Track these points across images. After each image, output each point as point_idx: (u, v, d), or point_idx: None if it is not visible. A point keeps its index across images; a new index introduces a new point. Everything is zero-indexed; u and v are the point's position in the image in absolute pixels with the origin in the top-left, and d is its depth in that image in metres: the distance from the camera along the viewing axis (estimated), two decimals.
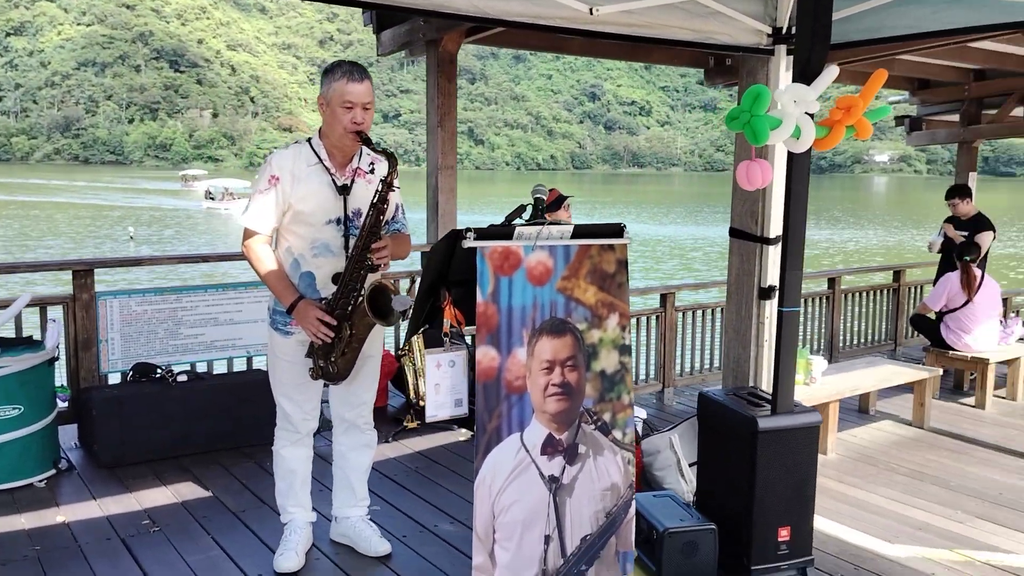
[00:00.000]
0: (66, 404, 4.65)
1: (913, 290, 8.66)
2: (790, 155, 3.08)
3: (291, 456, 3.44)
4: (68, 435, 4.68)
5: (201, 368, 5.05)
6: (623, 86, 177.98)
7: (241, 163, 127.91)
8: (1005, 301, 8.03)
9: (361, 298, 3.04)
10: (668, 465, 3.98)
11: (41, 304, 4.62)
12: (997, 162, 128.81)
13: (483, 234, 2.30)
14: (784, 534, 3.27)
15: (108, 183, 75.37)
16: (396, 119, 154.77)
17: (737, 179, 2.94)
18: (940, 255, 7.53)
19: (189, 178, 72.86)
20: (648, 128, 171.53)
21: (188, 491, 4.16)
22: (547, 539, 2.47)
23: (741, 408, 3.33)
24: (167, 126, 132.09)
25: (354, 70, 3.11)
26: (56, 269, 4.89)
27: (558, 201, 5.38)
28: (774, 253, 3.75)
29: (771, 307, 3.81)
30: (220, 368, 5.19)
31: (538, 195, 2.64)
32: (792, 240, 3.13)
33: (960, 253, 6.65)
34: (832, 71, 2.97)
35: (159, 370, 4.72)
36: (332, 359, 3.14)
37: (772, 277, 3.76)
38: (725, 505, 3.35)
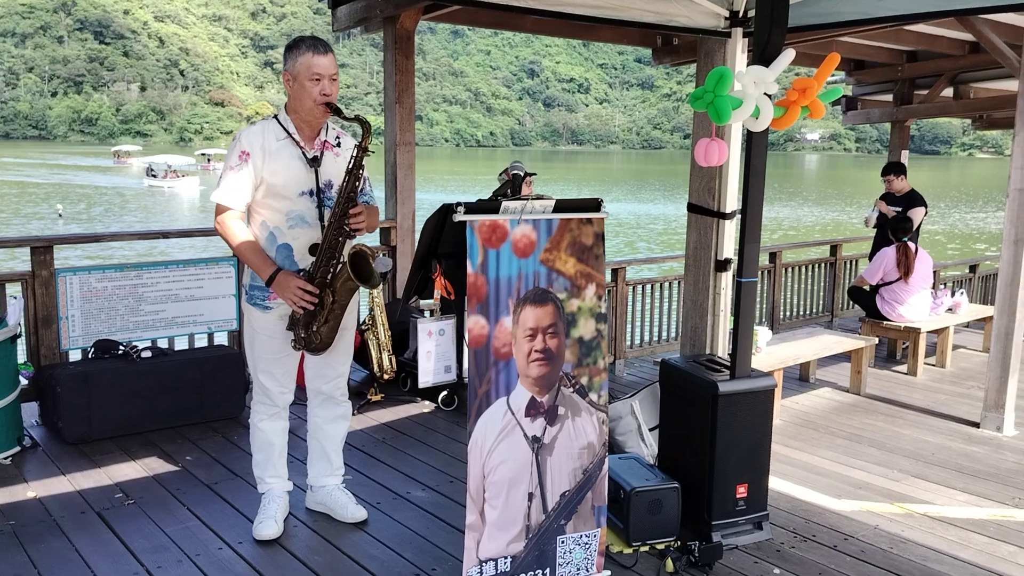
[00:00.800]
0: (26, 382, 4.61)
1: (849, 264, 9.05)
2: (749, 134, 3.26)
3: (269, 429, 3.51)
4: (28, 413, 4.65)
5: (162, 344, 5.05)
6: (562, 63, 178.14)
7: (171, 138, 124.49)
8: (935, 273, 8.44)
9: (342, 263, 3.13)
10: (630, 430, 4.17)
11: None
12: (923, 140, 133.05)
13: (472, 208, 2.41)
14: (742, 491, 3.48)
15: (33, 159, 72.41)
16: None
17: (695, 156, 3.10)
18: (876, 230, 7.88)
19: (122, 154, 70.97)
20: (587, 106, 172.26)
21: (158, 465, 4.20)
22: (530, 496, 2.62)
23: (701, 373, 3.53)
24: (92, 100, 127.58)
25: (318, 43, 3.21)
26: (14, 246, 4.81)
27: (518, 176, 5.51)
28: (730, 227, 3.94)
29: (726, 279, 4.00)
30: (181, 344, 5.20)
31: (516, 171, 2.76)
32: (751, 214, 3.31)
33: (895, 233, 6.96)
34: (789, 54, 3.15)
35: (121, 347, 4.71)
36: (315, 328, 3.22)
37: (728, 250, 3.96)
38: (687, 465, 3.55)
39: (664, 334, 7.45)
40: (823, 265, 8.82)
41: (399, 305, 4.65)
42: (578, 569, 2.79)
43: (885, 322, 6.89)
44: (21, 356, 4.49)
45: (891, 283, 6.85)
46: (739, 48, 3.78)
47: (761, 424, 3.50)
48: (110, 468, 4.14)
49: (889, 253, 6.89)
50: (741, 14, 3.73)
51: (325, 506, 3.66)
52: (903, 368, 6.86)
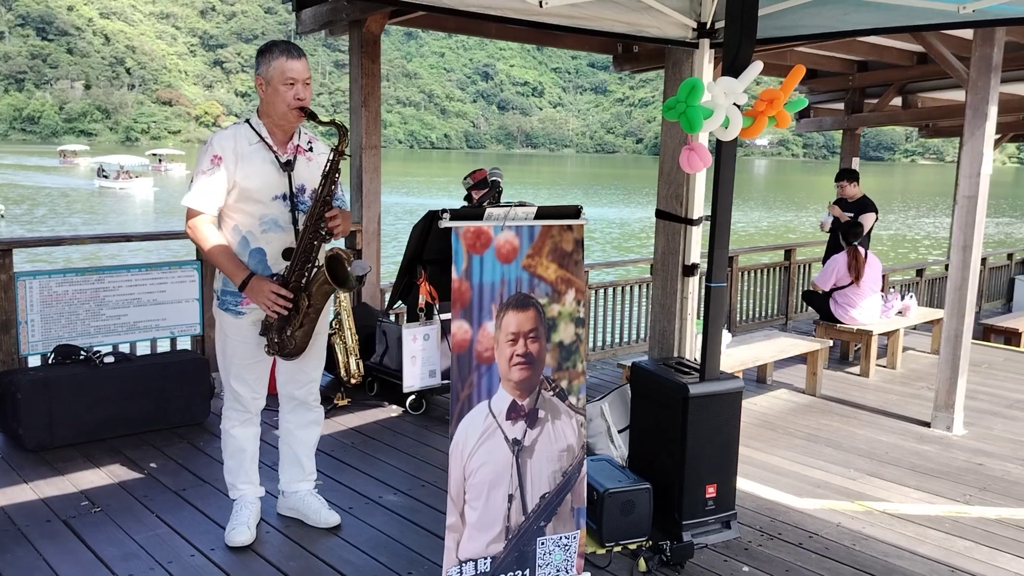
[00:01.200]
0: None
1: (803, 268, 9.26)
2: (718, 143, 3.34)
3: (241, 435, 3.50)
4: None
5: (124, 349, 4.97)
6: (516, 66, 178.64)
7: (117, 137, 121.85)
8: (883, 277, 8.69)
9: (318, 267, 3.14)
10: (599, 432, 4.23)
11: None
12: (867, 147, 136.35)
13: (457, 215, 2.44)
14: (711, 491, 3.56)
15: None
16: None
17: (680, 164, 3.17)
18: (829, 235, 8.08)
19: (68, 154, 68.94)
20: (541, 109, 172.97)
21: (124, 472, 4.14)
22: (510, 498, 2.65)
23: (672, 376, 3.60)
24: (35, 98, 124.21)
25: (291, 48, 3.20)
26: None
27: (484, 181, 5.54)
28: (697, 233, 4.03)
29: (693, 283, 4.09)
30: (143, 349, 5.12)
31: (495, 178, 2.80)
32: (720, 220, 3.39)
33: (846, 237, 7.16)
34: (757, 65, 3.24)
35: (82, 352, 4.64)
36: (289, 333, 3.21)
37: (695, 255, 4.04)
38: (657, 466, 3.62)
39: (626, 337, 7.56)
40: (778, 269, 9.01)
41: (383, 310, 4.65)
42: (558, 570, 2.83)
43: (838, 325, 7.07)
44: None
45: (844, 287, 7.04)
46: (706, 58, 3.87)
47: (730, 425, 3.59)
48: (74, 475, 4.07)
49: (839, 259, 7.08)
50: (708, 26, 3.82)
51: (297, 511, 3.65)
52: (856, 369, 7.04)
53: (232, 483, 3.54)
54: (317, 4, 5.89)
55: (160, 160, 58.68)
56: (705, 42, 3.83)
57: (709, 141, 3.89)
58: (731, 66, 3.23)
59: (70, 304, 4.74)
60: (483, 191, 5.50)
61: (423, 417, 5.14)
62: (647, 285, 7.80)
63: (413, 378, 2.60)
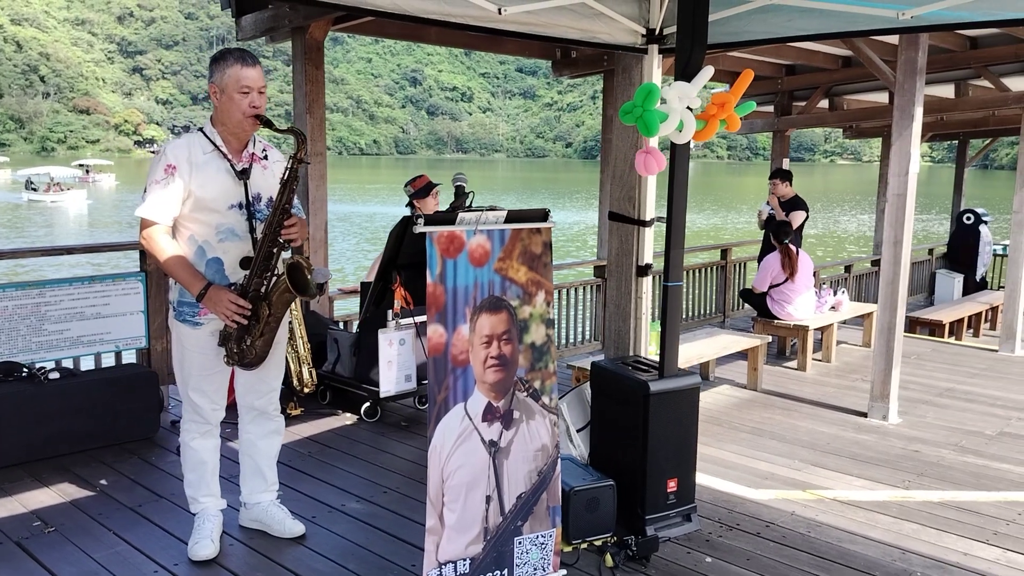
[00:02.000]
0: None
1: (738, 266, 9.52)
2: (672, 145, 3.44)
3: (201, 447, 3.44)
4: None
5: (68, 365, 4.83)
6: (444, 72, 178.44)
7: (32, 148, 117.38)
8: (815, 274, 8.99)
9: (279, 275, 3.12)
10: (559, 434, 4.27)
11: None
12: (789, 148, 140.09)
13: (431, 220, 2.46)
14: (672, 485, 3.65)
15: None
16: (206, 101, 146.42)
17: (636, 167, 3.25)
18: (763, 234, 8.32)
19: None
20: (470, 114, 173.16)
21: (74, 490, 4.02)
22: (488, 499, 2.68)
23: (631, 374, 3.68)
24: None
25: (245, 55, 3.19)
26: None
27: (427, 188, 5.56)
28: (649, 234, 4.12)
29: (647, 283, 4.18)
30: (88, 364, 4.98)
31: (459, 183, 2.83)
32: (675, 221, 3.49)
33: (776, 236, 7.39)
34: (709, 70, 3.34)
35: (25, 368, 4.49)
36: (249, 343, 3.18)
37: (648, 256, 4.14)
38: (619, 462, 3.69)
39: (572, 338, 7.66)
40: (714, 268, 9.24)
41: (364, 315, 4.62)
42: (535, 569, 2.87)
43: (776, 321, 7.29)
44: None
45: (779, 284, 7.25)
46: (655, 64, 3.97)
47: (688, 420, 3.69)
48: (22, 496, 3.94)
49: (772, 259, 7.29)
50: (657, 32, 3.92)
51: (261, 523, 3.61)
52: (793, 364, 7.27)
53: (193, 496, 3.48)
54: (258, 11, 5.82)
55: (88, 171, 55.87)
56: (654, 48, 3.93)
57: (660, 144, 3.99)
58: (684, 71, 3.33)
59: (10, 320, 4.58)
60: (424, 198, 5.52)
61: (378, 424, 5.13)
62: (591, 287, 7.92)
63: (389, 383, 2.60)
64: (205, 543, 3.37)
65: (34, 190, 44.11)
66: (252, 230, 3.23)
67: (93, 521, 3.69)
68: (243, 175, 3.22)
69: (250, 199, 3.23)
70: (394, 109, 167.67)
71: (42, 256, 5.01)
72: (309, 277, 3.13)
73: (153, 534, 3.59)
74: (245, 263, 3.20)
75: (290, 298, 3.16)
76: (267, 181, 3.29)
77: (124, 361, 5.14)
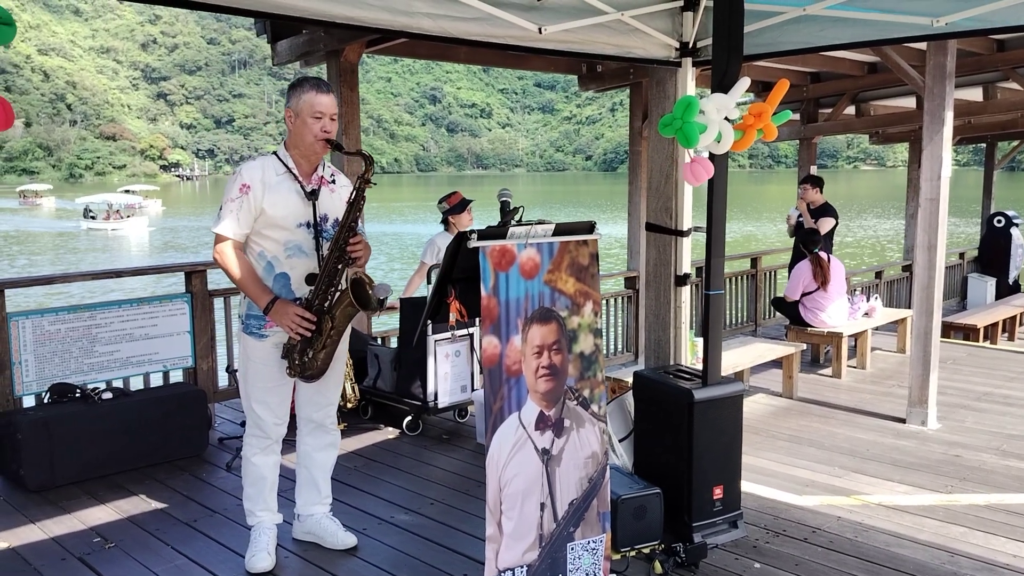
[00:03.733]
0: None
1: (769, 275, 9.51)
2: (711, 155, 3.49)
3: (262, 463, 3.53)
4: None
5: (118, 385, 4.95)
6: (463, 88, 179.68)
7: (61, 175, 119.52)
8: (846, 280, 8.97)
9: (342, 290, 3.25)
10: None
11: None
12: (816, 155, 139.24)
13: (483, 235, 2.54)
14: (718, 492, 3.68)
15: None
16: (230, 124, 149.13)
17: (684, 178, 3.31)
18: (793, 241, 8.31)
19: (30, 194, 64.51)
20: (490, 130, 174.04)
21: (131, 507, 4.12)
22: (542, 506, 2.74)
23: (675, 383, 3.72)
24: None
25: (320, 84, 3.36)
26: None
27: (462, 204, 5.65)
28: (687, 244, 4.17)
29: (685, 293, 4.23)
30: (137, 384, 5.11)
31: (504, 198, 2.91)
32: (715, 230, 3.54)
33: (805, 245, 7.39)
34: (745, 81, 3.40)
35: (78, 389, 4.61)
36: (311, 355, 3.28)
37: (686, 266, 4.19)
38: (665, 471, 3.73)
39: (605, 350, 7.69)
40: (745, 277, 9.24)
41: (413, 331, 4.74)
42: (587, 574, 2.92)
43: (809, 329, 7.28)
44: None
45: (811, 292, 7.25)
46: (689, 76, 4.04)
47: (733, 427, 3.72)
48: (81, 513, 4.04)
49: (803, 267, 7.30)
50: (691, 45, 3.99)
51: (314, 535, 3.68)
52: (828, 371, 7.25)
53: (251, 510, 3.57)
54: (293, 36, 5.96)
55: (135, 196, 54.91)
56: (688, 61, 4.00)
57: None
58: (720, 83, 3.39)
59: (63, 342, 4.71)
60: (459, 214, 5.61)
61: (420, 437, 5.19)
62: (623, 299, 7.97)
63: (445, 395, 2.67)
64: (262, 555, 3.45)
65: (92, 218, 42.89)
66: (318, 248, 3.36)
67: (151, 536, 3.78)
68: (312, 196, 3.36)
69: (318, 219, 3.37)
70: (414, 127, 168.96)
71: (92, 280, 5.12)
72: (371, 292, 3.25)
73: (209, 548, 3.67)
74: (310, 279, 3.34)
75: (353, 312, 3.28)
76: (334, 203, 3.44)
77: (171, 380, 5.26)
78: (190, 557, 3.58)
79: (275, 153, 3.40)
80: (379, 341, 6.08)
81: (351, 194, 3.32)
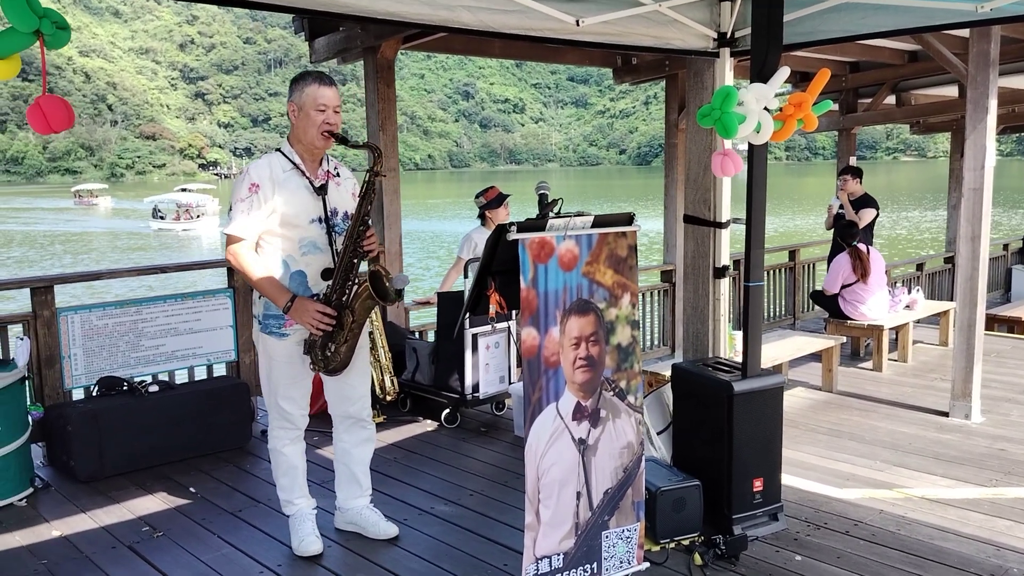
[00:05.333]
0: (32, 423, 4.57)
1: (807, 268, 9.41)
2: (750, 146, 3.47)
3: (292, 452, 3.59)
4: (33, 454, 4.61)
5: (163, 378, 5.05)
6: (496, 84, 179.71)
7: (102, 174, 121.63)
8: (886, 272, 8.84)
9: (361, 283, 3.27)
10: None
11: (1, 323, 4.54)
12: (855, 146, 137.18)
13: (523, 227, 2.56)
14: (758, 485, 3.67)
15: None
16: (266, 123, 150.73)
17: (713, 169, 3.30)
18: (832, 233, 8.22)
19: (84, 193, 63.95)
20: (523, 125, 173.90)
21: (177, 497, 4.21)
22: (578, 495, 2.76)
23: (714, 375, 3.71)
24: (18, 139, 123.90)
25: (323, 76, 3.35)
26: (16, 287, 4.80)
27: (499, 199, 5.67)
28: (725, 236, 4.16)
29: (724, 285, 4.21)
30: (181, 377, 5.21)
31: (542, 191, 2.93)
32: (755, 221, 3.52)
33: (844, 238, 7.30)
34: (784, 71, 3.38)
35: (126, 383, 4.72)
36: (333, 349, 3.31)
37: (725, 257, 4.17)
38: (704, 463, 3.72)
39: (641, 343, 7.67)
40: (783, 270, 9.15)
41: (450, 324, 4.80)
42: (621, 562, 2.94)
43: (849, 321, 7.19)
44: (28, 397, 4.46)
45: (851, 285, 7.17)
46: (727, 66, 4.02)
47: (773, 420, 3.70)
48: (129, 503, 4.14)
49: (842, 260, 7.21)
50: (729, 35, 3.96)
51: (356, 525, 3.73)
52: (868, 365, 7.16)
53: (287, 499, 3.63)
54: (330, 33, 6.02)
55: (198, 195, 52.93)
56: (726, 51, 3.98)
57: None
58: (760, 72, 3.37)
59: (110, 337, 4.82)
60: (496, 208, 5.63)
61: (458, 430, 5.23)
62: (659, 292, 7.94)
63: (486, 385, 2.70)
64: (311, 539, 3.52)
65: (162, 218, 42.08)
66: (331, 243, 3.37)
67: (198, 525, 3.87)
68: (321, 191, 3.37)
69: (328, 213, 3.38)
70: (447, 123, 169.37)
71: (137, 276, 5.23)
72: (388, 284, 3.27)
73: (254, 537, 3.75)
74: (326, 274, 3.35)
75: (372, 304, 3.30)
76: (341, 196, 3.46)
77: (215, 374, 5.36)
78: (236, 545, 3.66)
79: (279, 149, 3.40)
80: (417, 335, 6.13)
81: (362, 187, 3.32)
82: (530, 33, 3.24)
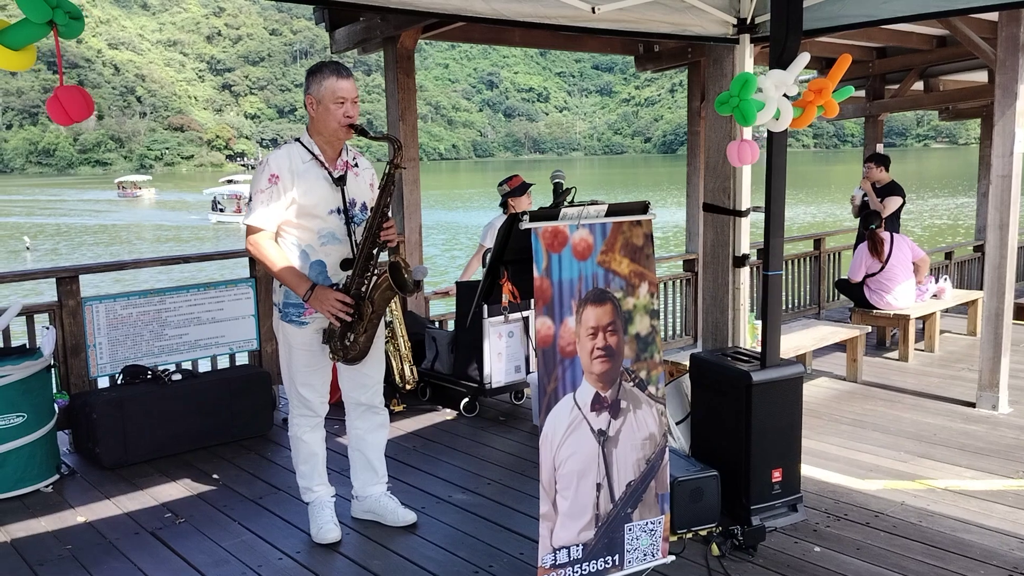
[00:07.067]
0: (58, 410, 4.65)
1: (833, 256, 9.30)
2: (769, 133, 3.44)
3: (312, 439, 3.62)
4: (60, 441, 4.69)
5: (186, 367, 5.11)
6: (520, 73, 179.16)
7: (132, 165, 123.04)
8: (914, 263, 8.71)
9: (380, 274, 3.28)
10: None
11: (28, 313, 4.62)
12: (883, 133, 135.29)
13: (535, 216, 2.56)
14: (777, 475, 3.64)
15: (19, 196, 66.57)
16: (292, 113, 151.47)
17: (728, 158, 3.27)
18: (858, 221, 8.12)
19: (128, 185, 63.69)
20: (547, 114, 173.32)
21: (199, 484, 4.27)
22: (598, 487, 2.76)
23: (733, 365, 3.69)
24: (49, 131, 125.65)
25: (340, 68, 3.34)
26: (42, 277, 4.87)
27: (522, 188, 5.66)
28: (745, 224, 4.12)
29: (744, 274, 4.18)
30: (204, 366, 5.27)
31: (557, 180, 2.92)
32: (774, 209, 3.48)
33: (865, 223, 7.21)
34: (804, 57, 3.33)
35: (150, 371, 4.78)
36: (352, 339, 3.34)
37: (744, 246, 4.13)
38: (722, 454, 3.70)
39: (664, 332, 7.64)
40: (808, 259, 9.06)
41: (468, 314, 4.81)
42: (644, 555, 2.93)
43: (875, 311, 7.11)
44: (54, 385, 4.54)
45: (875, 274, 7.08)
46: (747, 53, 3.97)
47: (792, 410, 3.67)
48: (153, 490, 4.20)
49: (863, 248, 7.13)
50: (749, 21, 3.92)
51: (374, 513, 3.76)
52: (894, 354, 7.07)
53: (307, 487, 3.66)
54: (350, 24, 6.03)
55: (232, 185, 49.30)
56: (746, 37, 3.93)
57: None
58: (779, 59, 3.33)
59: (135, 326, 4.88)
60: (519, 197, 5.62)
61: (477, 419, 5.24)
62: (681, 281, 7.89)
63: (500, 374, 2.70)
64: (330, 527, 3.55)
65: (221, 210, 41.53)
66: (350, 234, 3.39)
67: (219, 512, 3.91)
68: (340, 182, 3.38)
69: (347, 204, 3.39)
70: (472, 113, 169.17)
71: (161, 266, 5.29)
72: (407, 275, 3.28)
73: (274, 524, 3.79)
74: (345, 265, 3.37)
75: (391, 295, 3.31)
76: (360, 187, 3.47)
77: (237, 363, 5.41)
78: (256, 532, 3.70)
79: (299, 140, 3.41)
80: (437, 324, 6.15)
81: (382, 179, 3.33)
82: (545, 21, 3.22)
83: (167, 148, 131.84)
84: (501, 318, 2.96)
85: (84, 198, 62.97)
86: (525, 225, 2.51)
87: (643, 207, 2.78)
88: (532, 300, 2.60)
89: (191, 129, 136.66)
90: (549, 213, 2.57)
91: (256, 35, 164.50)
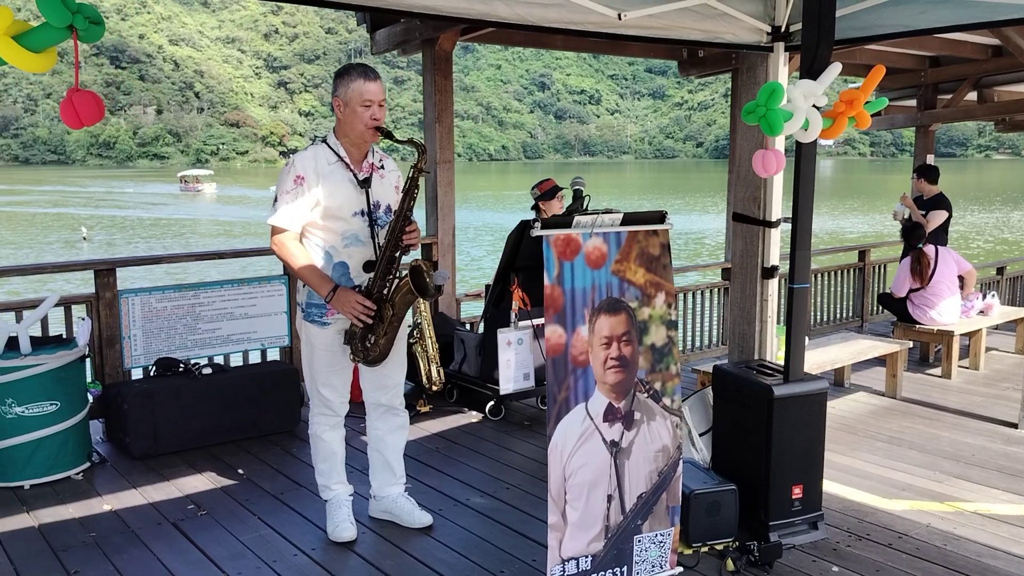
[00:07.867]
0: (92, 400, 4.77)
1: (877, 269, 9.10)
2: (798, 144, 3.37)
3: (332, 438, 3.66)
4: (93, 430, 4.81)
5: (218, 361, 5.20)
6: (572, 75, 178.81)
7: (188, 160, 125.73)
8: (960, 277, 8.48)
9: (402, 277, 3.30)
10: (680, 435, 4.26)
11: (66, 304, 4.75)
12: (938, 143, 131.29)
13: (547, 224, 2.54)
14: (797, 492, 3.57)
15: (79, 187, 67.98)
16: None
17: (754, 167, 3.22)
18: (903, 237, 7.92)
19: (190, 179, 65.02)
20: (598, 117, 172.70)
21: (224, 477, 4.34)
22: (609, 498, 2.74)
23: (755, 378, 3.63)
24: (110, 124, 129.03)
25: (367, 71, 3.35)
26: (80, 269, 5.01)
27: (552, 191, 5.64)
28: (775, 235, 4.05)
29: (773, 286, 4.11)
30: (236, 361, 5.35)
31: (577, 186, 2.90)
32: (801, 221, 3.42)
33: (908, 240, 7.03)
34: (836, 67, 3.27)
35: (181, 364, 4.87)
36: (373, 341, 3.36)
37: (774, 257, 4.07)
38: (742, 467, 3.65)
39: (699, 342, 7.56)
40: (852, 271, 8.88)
41: (484, 316, 4.82)
42: (653, 566, 2.90)
43: (918, 326, 6.94)
44: (88, 375, 4.66)
45: (919, 289, 6.91)
46: (781, 62, 3.91)
47: (814, 426, 3.60)
48: (178, 481, 4.28)
49: (907, 263, 6.96)
50: (783, 29, 3.85)
51: (390, 513, 3.78)
52: (937, 371, 6.90)
53: (325, 484, 3.70)
54: (391, 25, 6.08)
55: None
56: (780, 45, 3.87)
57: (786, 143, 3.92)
58: (810, 68, 3.27)
59: (169, 319, 4.98)
60: (549, 200, 5.61)
61: (502, 422, 5.25)
62: (719, 290, 7.80)
63: (508, 381, 2.70)
64: (346, 526, 3.58)
65: None
66: (373, 236, 3.41)
67: (240, 506, 3.98)
68: (364, 184, 3.40)
69: (371, 206, 3.42)
70: (522, 114, 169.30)
71: (195, 261, 5.39)
72: (428, 280, 3.29)
73: (293, 520, 3.83)
74: (367, 267, 3.39)
75: (411, 299, 3.33)
76: (385, 189, 3.48)
77: (268, 358, 5.48)
78: (274, 527, 3.75)
79: (325, 141, 3.43)
80: (467, 327, 6.17)
81: (405, 183, 3.34)
82: (570, 27, 3.21)
83: (223, 143, 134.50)
84: (512, 324, 2.98)
85: (145, 191, 64.26)
86: (536, 233, 2.50)
87: (660, 217, 2.75)
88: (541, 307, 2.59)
89: (247, 125, 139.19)
90: (561, 221, 2.55)
91: (312, 33, 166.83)
